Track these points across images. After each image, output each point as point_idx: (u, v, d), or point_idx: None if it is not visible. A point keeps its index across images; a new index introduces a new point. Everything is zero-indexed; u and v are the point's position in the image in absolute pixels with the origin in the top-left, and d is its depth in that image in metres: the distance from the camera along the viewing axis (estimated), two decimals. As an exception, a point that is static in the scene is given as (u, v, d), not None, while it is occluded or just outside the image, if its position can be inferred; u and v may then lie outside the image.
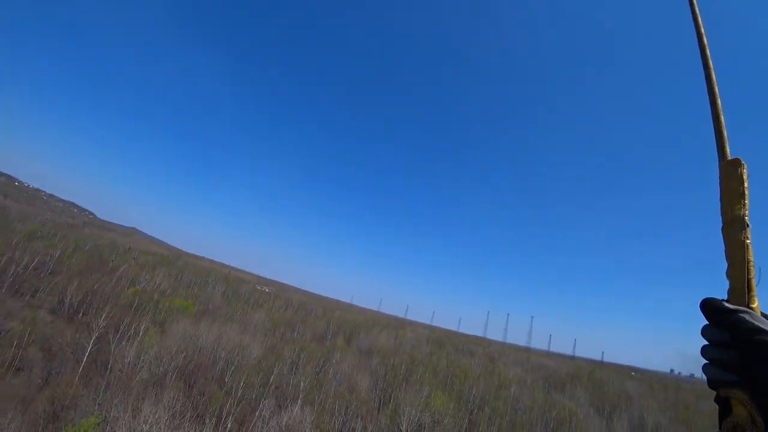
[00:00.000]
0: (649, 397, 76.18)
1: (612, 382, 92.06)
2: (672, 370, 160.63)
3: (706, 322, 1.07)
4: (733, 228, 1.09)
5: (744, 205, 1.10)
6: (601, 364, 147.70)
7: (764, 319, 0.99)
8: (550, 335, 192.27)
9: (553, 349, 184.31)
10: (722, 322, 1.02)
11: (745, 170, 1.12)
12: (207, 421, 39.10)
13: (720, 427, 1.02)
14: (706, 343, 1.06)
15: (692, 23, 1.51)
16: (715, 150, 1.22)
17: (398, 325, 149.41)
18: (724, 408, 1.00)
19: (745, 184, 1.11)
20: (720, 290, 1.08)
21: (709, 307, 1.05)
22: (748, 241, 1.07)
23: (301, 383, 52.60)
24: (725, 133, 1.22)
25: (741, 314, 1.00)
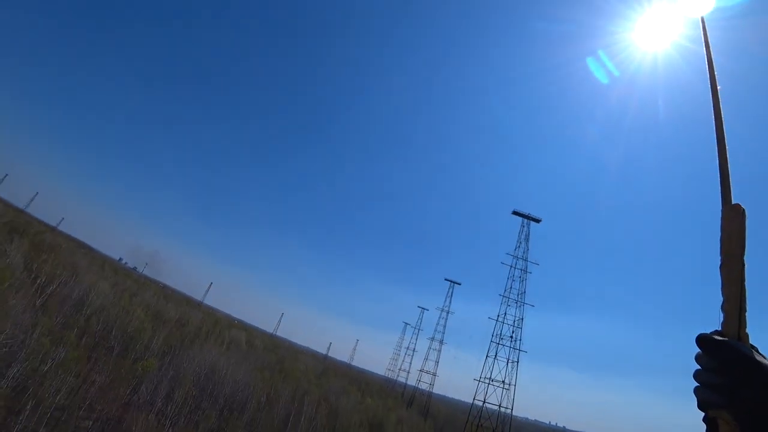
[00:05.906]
0: (93, 274, 70.35)
1: (65, 250, 78.07)
2: (121, 259, 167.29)
3: (698, 351, 1.16)
4: (731, 266, 1.18)
5: (742, 247, 1.18)
6: (54, 230, 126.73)
7: (751, 349, 1.11)
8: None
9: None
10: (714, 351, 1.12)
11: (744, 215, 1.21)
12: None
13: None
14: (698, 367, 1.15)
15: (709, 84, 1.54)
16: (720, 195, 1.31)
17: None
18: (712, 428, 1.09)
19: (744, 228, 1.20)
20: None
21: (703, 339, 1.15)
22: (743, 280, 1.16)
23: None
24: (730, 181, 1.31)
25: (731, 344, 1.11)
